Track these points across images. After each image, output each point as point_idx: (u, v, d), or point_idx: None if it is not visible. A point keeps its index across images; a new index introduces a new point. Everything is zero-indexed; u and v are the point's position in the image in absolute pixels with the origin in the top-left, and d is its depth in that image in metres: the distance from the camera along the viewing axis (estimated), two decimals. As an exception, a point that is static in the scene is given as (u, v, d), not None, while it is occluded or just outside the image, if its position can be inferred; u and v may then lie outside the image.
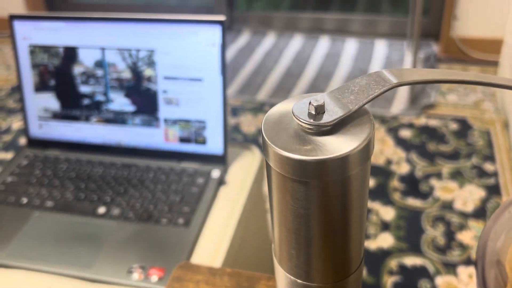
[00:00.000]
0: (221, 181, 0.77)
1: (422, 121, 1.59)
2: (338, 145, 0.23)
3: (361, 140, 0.23)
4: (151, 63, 0.76)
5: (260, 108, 1.72)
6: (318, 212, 0.26)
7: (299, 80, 1.85)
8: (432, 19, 1.98)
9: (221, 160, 0.79)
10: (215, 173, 0.77)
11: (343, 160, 0.23)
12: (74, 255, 0.66)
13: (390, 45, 2.02)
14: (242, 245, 0.74)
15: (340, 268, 0.29)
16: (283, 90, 1.80)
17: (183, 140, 0.79)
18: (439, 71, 0.25)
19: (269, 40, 2.14)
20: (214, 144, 0.78)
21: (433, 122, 1.58)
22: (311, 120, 0.24)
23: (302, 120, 0.24)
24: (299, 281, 0.30)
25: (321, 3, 2.25)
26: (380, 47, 2.01)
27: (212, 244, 0.67)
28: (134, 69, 0.77)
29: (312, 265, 0.28)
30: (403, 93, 1.70)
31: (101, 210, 0.72)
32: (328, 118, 0.24)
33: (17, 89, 1.94)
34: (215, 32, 0.73)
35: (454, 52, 1.92)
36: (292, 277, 0.30)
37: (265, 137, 0.25)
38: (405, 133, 1.54)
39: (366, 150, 0.23)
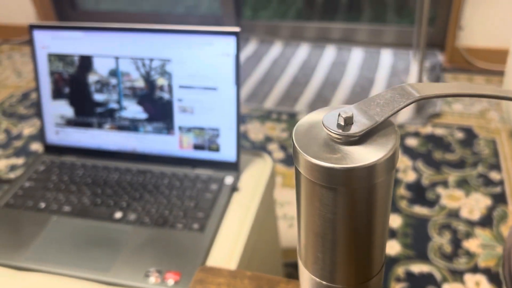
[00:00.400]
0: (234, 188, 0.78)
1: (428, 130, 1.61)
2: (366, 155, 0.25)
3: (387, 150, 0.25)
4: (167, 73, 0.78)
5: (267, 116, 1.74)
6: (345, 217, 0.27)
7: (306, 88, 1.87)
8: (437, 29, 2.00)
9: (234, 167, 0.80)
10: (228, 179, 0.79)
11: (370, 169, 0.25)
12: (92, 259, 0.67)
13: (396, 54, 2.04)
14: (254, 250, 0.76)
15: (363, 270, 0.31)
16: (290, 98, 1.82)
17: (197, 147, 0.81)
18: (459, 85, 0.27)
19: (276, 49, 2.17)
20: (227, 151, 0.80)
21: (439, 131, 1.60)
22: (340, 131, 0.25)
23: (332, 131, 0.26)
24: (324, 282, 0.31)
25: (327, 13, 2.28)
26: (386, 56, 2.03)
27: (226, 249, 0.69)
28: (150, 78, 0.79)
29: (337, 267, 0.30)
30: (409, 102, 1.72)
31: (118, 215, 0.74)
32: (356, 129, 0.25)
33: (36, 96, 1.97)
34: (230, 43, 0.75)
35: (459, 62, 1.94)
36: (317, 278, 0.31)
37: (296, 145, 0.26)
38: (412, 142, 1.56)
39: (391, 160, 0.25)
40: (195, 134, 0.81)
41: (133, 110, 0.82)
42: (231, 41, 0.75)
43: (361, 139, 0.26)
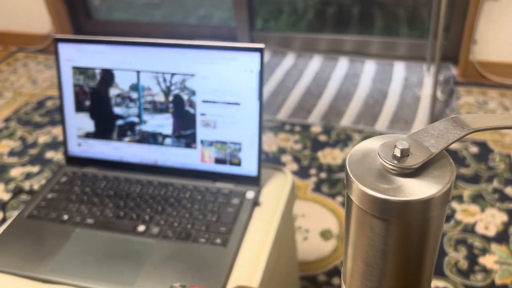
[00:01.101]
0: (255, 202, 0.79)
1: (442, 143, 1.60)
2: (422, 188, 0.25)
3: (443, 184, 0.25)
4: (190, 87, 0.79)
5: (281, 127, 1.74)
6: (396, 248, 0.27)
7: (319, 100, 1.87)
8: (451, 42, 2.00)
9: (255, 182, 0.81)
10: (250, 194, 0.79)
11: (425, 203, 0.25)
12: (116, 272, 0.68)
13: (409, 67, 2.04)
14: (276, 264, 0.76)
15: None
16: (303, 109, 1.82)
17: (218, 161, 0.82)
18: (510, 117, 0.27)
19: (288, 60, 2.18)
20: (249, 165, 0.80)
21: (454, 146, 1.59)
22: (396, 162, 0.26)
23: (388, 162, 0.26)
24: (369, 309, 0.31)
25: (339, 25, 2.29)
26: (399, 69, 2.03)
27: (249, 264, 0.69)
28: (173, 93, 0.80)
29: (381, 293, 0.30)
30: (423, 117, 1.72)
31: (141, 228, 0.74)
32: (412, 161, 0.26)
33: (55, 105, 1.99)
34: (254, 59, 0.76)
35: (473, 76, 1.94)
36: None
37: (350, 174, 0.27)
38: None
39: (447, 193, 0.25)
40: (216, 148, 0.81)
41: (154, 124, 0.82)
42: (256, 57, 0.76)
43: (417, 171, 0.26)
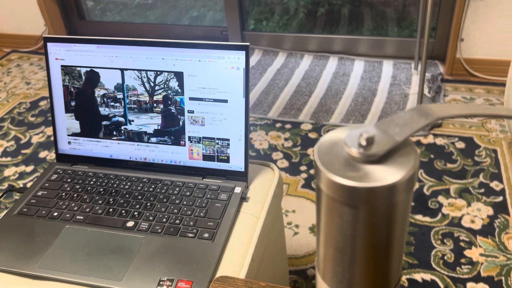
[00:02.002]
0: (243, 197, 0.80)
1: (429, 139, 1.63)
2: (387, 174, 0.27)
3: (408, 170, 0.27)
4: (178, 85, 0.80)
5: (272, 125, 1.76)
6: (365, 233, 0.29)
7: (309, 98, 1.89)
8: (438, 40, 2.03)
9: (242, 177, 0.82)
10: (238, 189, 0.81)
11: (391, 188, 0.27)
12: (104, 267, 0.69)
13: (397, 65, 2.07)
14: (263, 258, 0.77)
15: (381, 283, 0.32)
16: (294, 108, 1.84)
17: (206, 157, 0.83)
18: (475, 106, 0.29)
19: (279, 59, 2.20)
20: (236, 161, 0.82)
21: (441, 141, 1.62)
22: (362, 150, 0.27)
23: (354, 150, 0.27)
24: (341, 292, 0.33)
25: (328, 25, 2.31)
26: (388, 68, 2.05)
27: (236, 258, 0.71)
28: (162, 91, 0.81)
29: (355, 280, 0.32)
30: (411, 112, 1.74)
31: (130, 223, 0.75)
32: (377, 148, 0.27)
33: (47, 106, 1.99)
34: (240, 57, 0.77)
35: (460, 73, 1.96)
36: (334, 288, 0.33)
37: (318, 163, 0.28)
38: (414, 152, 1.58)
39: (411, 179, 0.27)
40: (205, 145, 0.82)
41: (140, 123, 0.84)
42: (241, 55, 0.77)
43: (382, 158, 0.28)
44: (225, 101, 0.79)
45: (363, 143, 0.27)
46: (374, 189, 0.26)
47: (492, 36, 1.86)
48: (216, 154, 0.82)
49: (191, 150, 0.83)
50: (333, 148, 0.29)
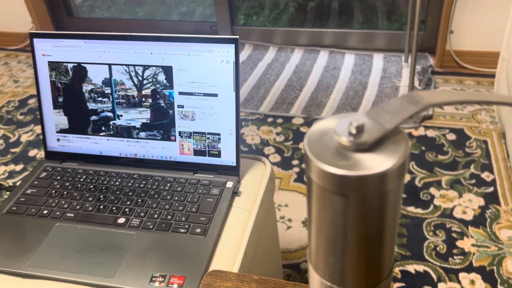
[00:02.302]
0: (235, 192, 0.80)
1: (420, 131, 1.63)
2: (377, 162, 0.26)
3: (398, 158, 0.26)
4: (167, 80, 0.80)
5: (263, 120, 1.75)
6: (356, 223, 0.29)
7: (300, 92, 1.89)
8: (428, 33, 2.03)
9: (234, 172, 0.82)
10: (229, 184, 0.80)
11: (381, 177, 0.26)
12: (96, 264, 0.68)
13: (388, 58, 2.07)
14: (256, 253, 0.77)
15: (373, 274, 0.32)
16: (285, 102, 1.84)
17: (197, 152, 0.82)
18: (465, 92, 0.29)
19: (270, 54, 2.19)
20: (228, 156, 0.81)
21: (432, 133, 1.62)
22: (352, 139, 0.27)
23: (344, 138, 0.27)
24: (334, 286, 0.33)
25: (319, 19, 2.30)
26: (378, 61, 2.06)
27: (229, 253, 0.70)
28: (151, 86, 0.81)
29: (348, 271, 0.31)
30: (402, 105, 1.74)
31: (121, 220, 0.75)
32: (367, 137, 0.27)
33: (36, 103, 1.97)
34: (229, 50, 0.76)
35: (450, 65, 1.97)
36: (327, 282, 0.33)
37: (308, 153, 0.28)
38: (405, 144, 1.58)
39: (402, 167, 0.27)
40: (195, 140, 0.82)
41: (129, 118, 0.83)
42: (231, 48, 0.76)
43: (372, 146, 0.27)
44: (215, 95, 0.79)
45: (353, 131, 0.27)
46: (365, 177, 0.26)
47: (481, 27, 1.87)
48: (207, 149, 0.82)
49: (182, 145, 0.83)
50: (323, 137, 0.28)
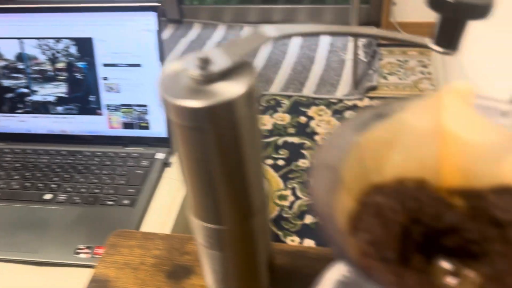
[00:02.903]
0: (165, 163, 0.79)
1: (365, 103, 1.67)
2: (226, 92, 0.27)
3: (245, 86, 0.27)
4: (88, 52, 0.78)
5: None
6: (217, 156, 0.29)
7: (249, 69, 1.89)
8: (373, 6, 2.06)
9: (165, 143, 0.81)
10: (160, 155, 0.80)
11: (231, 104, 0.27)
12: (20, 241, 0.67)
13: (335, 32, 2.09)
14: (188, 223, 0.77)
15: (244, 209, 0.33)
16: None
17: (126, 125, 0.81)
18: (308, 26, 0.29)
19: (219, 32, 2.17)
20: (157, 127, 0.81)
21: (376, 103, 1.66)
22: (200, 71, 0.27)
23: (193, 72, 0.27)
24: (209, 225, 0.33)
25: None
26: (325, 36, 2.07)
27: (159, 222, 0.70)
28: (71, 59, 0.79)
29: (218, 208, 0.32)
30: (346, 78, 1.77)
31: (47, 196, 0.73)
32: (215, 68, 0.27)
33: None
34: (151, 18, 0.75)
35: (395, 37, 2.01)
36: (203, 222, 0.33)
37: (161, 93, 0.28)
38: (350, 115, 1.61)
39: (250, 94, 0.27)
40: (123, 113, 0.81)
41: (61, 91, 0.81)
42: (152, 16, 0.75)
43: (221, 77, 0.28)
44: (139, 65, 0.78)
45: (201, 64, 0.27)
46: (214, 106, 0.27)
47: (422, -1, 1.91)
48: (135, 121, 0.81)
49: (110, 118, 0.81)
50: (175, 76, 0.29)
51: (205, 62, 0.27)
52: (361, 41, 1.92)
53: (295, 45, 2.01)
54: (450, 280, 0.20)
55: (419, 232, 0.21)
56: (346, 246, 0.17)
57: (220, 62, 0.27)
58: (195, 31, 2.19)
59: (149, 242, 0.45)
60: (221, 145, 0.29)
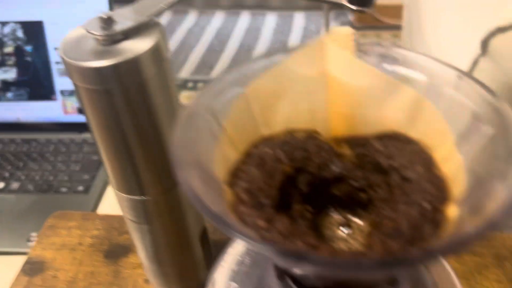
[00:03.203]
0: (124, 148, 0.77)
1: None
2: (132, 50, 0.25)
3: (151, 43, 0.26)
4: (39, 35, 0.75)
5: (183, 85, 1.72)
6: (127, 121, 0.28)
7: (221, 56, 1.87)
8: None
9: (123, 128, 0.79)
10: (117, 140, 0.78)
11: (136, 61, 0.25)
12: (-30, 231, 0.65)
13: (308, 17, 2.08)
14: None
15: (166, 177, 0.31)
16: (206, 66, 1.81)
17: (82, 110, 0.79)
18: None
19: (190, 18, 2.14)
20: (115, 112, 0.79)
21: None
22: (104, 32, 0.26)
23: (96, 33, 0.26)
24: (133, 197, 0.32)
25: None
26: (299, 20, 2.06)
27: (116, 207, 0.68)
28: (19, 43, 0.76)
29: (139, 178, 0.31)
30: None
31: (-1, 185, 0.71)
32: (119, 27, 0.26)
33: None
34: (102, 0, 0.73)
35: (368, 20, 2.00)
36: (126, 195, 0.32)
37: (65, 58, 0.26)
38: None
39: (156, 51, 0.26)
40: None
41: (12, 77, 0.78)
42: (103, -4, 0.73)
43: (127, 37, 0.26)
44: (91, 47, 0.75)
45: (103, 24, 0.26)
46: (119, 65, 0.25)
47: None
48: (92, 106, 0.79)
49: (65, 104, 0.79)
50: (78, 41, 0.27)
51: (108, 22, 0.26)
52: (336, 24, 1.91)
53: (268, 31, 1.99)
54: (341, 231, 0.19)
55: (306, 181, 0.20)
56: (211, 195, 0.16)
57: (126, 22, 0.26)
58: (165, 18, 2.15)
59: (89, 222, 0.43)
60: (132, 108, 0.27)
